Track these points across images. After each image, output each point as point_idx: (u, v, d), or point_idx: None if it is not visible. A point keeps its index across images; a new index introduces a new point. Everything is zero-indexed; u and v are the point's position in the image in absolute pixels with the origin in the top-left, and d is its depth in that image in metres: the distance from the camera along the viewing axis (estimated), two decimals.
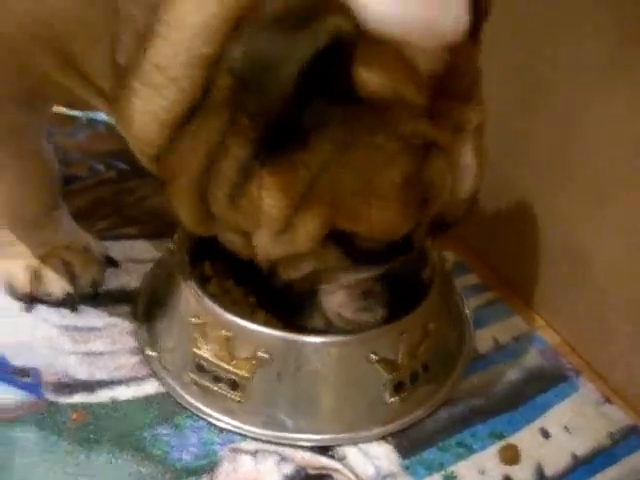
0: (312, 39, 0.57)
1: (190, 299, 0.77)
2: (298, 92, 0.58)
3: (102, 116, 1.24)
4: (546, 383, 0.86)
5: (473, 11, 0.65)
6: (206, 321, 0.75)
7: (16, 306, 0.89)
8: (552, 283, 0.94)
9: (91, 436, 0.74)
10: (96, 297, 0.91)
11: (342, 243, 0.69)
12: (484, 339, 0.90)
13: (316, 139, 0.63)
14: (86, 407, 0.77)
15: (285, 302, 0.77)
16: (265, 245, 0.69)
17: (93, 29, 0.66)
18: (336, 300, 0.75)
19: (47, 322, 0.87)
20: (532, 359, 0.89)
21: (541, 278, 0.95)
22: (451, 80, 0.64)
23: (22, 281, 0.89)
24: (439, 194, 0.67)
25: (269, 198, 0.66)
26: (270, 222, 0.67)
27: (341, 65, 0.59)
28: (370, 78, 0.60)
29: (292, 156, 0.64)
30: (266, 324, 0.75)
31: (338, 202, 0.65)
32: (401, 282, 0.75)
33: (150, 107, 0.66)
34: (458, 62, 0.64)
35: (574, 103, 0.85)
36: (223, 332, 0.73)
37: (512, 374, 0.87)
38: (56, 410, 0.76)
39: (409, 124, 0.63)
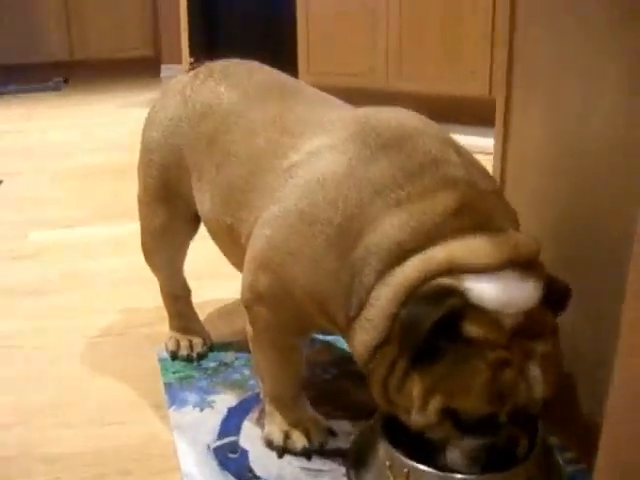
0: (438, 310, 1.06)
1: (384, 451, 1.27)
2: (432, 334, 1.07)
3: (319, 336, 1.81)
4: None
5: (549, 289, 1.12)
6: (393, 464, 1.24)
7: (273, 454, 1.41)
8: None
9: None
10: (322, 452, 1.41)
11: (452, 417, 1.11)
12: None
13: (441, 359, 1.09)
14: None
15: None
16: (414, 419, 1.14)
17: (339, 299, 1.20)
18: (452, 456, 1.17)
19: (291, 465, 1.38)
20: None
21: None
22: (526, 327, 1.09)
23: (277, 438, 1.41)
24: (512, 393, 1.08)
25: (415, 389, 1.11)
26: (415, 402, 1.12)
27: (456, 322, 1.07)
28: (471, 330, 1.07)
29: (428, 367, 1.10)
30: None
31: (451, 392, 1.09)
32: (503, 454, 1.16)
33: (362, 338, 1.18)
34: (532, 318, 1.10)
35: None
36: (404, 470, 1.22)
37: None
38: None
39: (492, 353, 1.07)
